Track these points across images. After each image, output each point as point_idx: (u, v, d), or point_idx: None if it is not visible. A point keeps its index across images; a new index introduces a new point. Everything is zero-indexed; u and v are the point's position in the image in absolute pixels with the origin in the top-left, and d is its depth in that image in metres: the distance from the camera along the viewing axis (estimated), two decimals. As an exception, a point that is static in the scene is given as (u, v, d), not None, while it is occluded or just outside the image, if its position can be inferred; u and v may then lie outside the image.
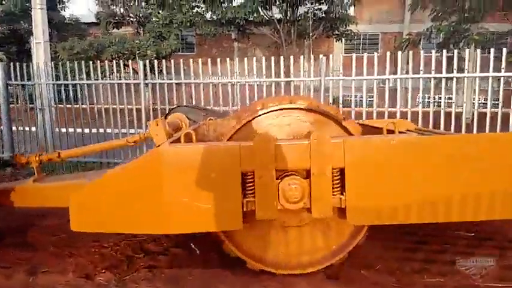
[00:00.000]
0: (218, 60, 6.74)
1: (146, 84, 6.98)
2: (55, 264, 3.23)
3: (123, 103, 7.05)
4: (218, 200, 2.65)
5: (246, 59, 6.71)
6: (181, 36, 20.27)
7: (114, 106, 7.05)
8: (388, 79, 6.33)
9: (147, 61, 7.06)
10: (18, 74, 7.27)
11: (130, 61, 7.76)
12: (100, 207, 2.77)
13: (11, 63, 7.39)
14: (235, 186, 2.66)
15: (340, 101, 6.38)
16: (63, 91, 7.27)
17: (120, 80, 7.23)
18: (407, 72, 6.27)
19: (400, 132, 2.92)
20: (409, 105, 6.17)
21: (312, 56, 6.47)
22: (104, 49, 16.82)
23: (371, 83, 6.38)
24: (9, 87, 7.34)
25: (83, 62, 7.24)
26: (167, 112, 4.60)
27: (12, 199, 3.61)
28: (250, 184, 2.71)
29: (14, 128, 7.46)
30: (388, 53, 6.21)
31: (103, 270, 2.97)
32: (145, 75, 6.89)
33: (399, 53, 6.47)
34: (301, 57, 6.48)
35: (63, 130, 7.43)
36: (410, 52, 6.29)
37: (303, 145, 2.69)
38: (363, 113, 6.36)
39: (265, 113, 2.96)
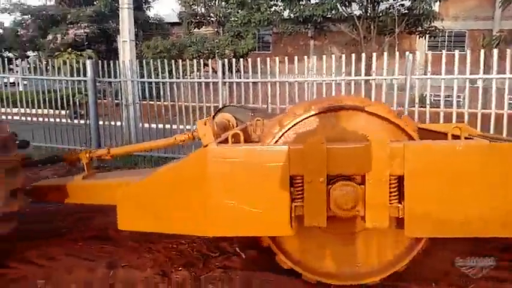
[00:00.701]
0: (295, 58, 6.61)
1: (224, 83, 7.05)
2: (134, 259, 3.31)
3: (202, 101, 7.19)
4: (265, 204, 2.53)
5: (324, 56, 6.51)
6: (258, 35, 20.42)
7: (194, 104, 7.20)
8: (482, 79, 5.81)
9: (226, 60, 7.13)
10: (106, 71, 7.67)
11: (209, 60, 7.88)
12: (146, 207, 2.75)
13: (100, 61, 7.83)
14: (283, 191, 2.51)
15: (427, 101, 5.94)
16: (146, 88, 7.58)
17: (199, 78, 7.38)
18: (500, 72, 5.71)
19: (466, 138, 2.63)
20: (506, 107, 5.61)
21: (397, 53, 6.10)
22: (185, 48, 17.40)
23: (460, 83, 5.90)
24: (97, 84, 7.77)
25: (165, 60, 7.48)
26: (215, 112, 4.53)
27: (61, 195, 3.70)
28: (300, 188, 2.56)
29: (100, 123, 7.86)
30: (483, 51, 5.69)
31: (179, 268, 2.97)
32: (223, 74, 6.97)
33: (494, 50, 5.89)
34: (385, 54, 6.13)
35: (147, 125, 7.75)
36: (508, 50, 5.70)
37: (358, 149, 2.48)
38: (453, 114, 5.90)
39: (312, 115, 2.76)
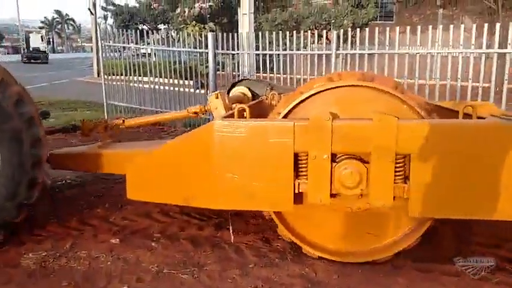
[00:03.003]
0: (418, 28, 6.14)
1: (338, 55, 6.87)
2: (238, 223, 3.48)
3: (314, 74, 7.12)
4: (268, 179, 2.54)
5: (451, 26, 5.94)
6: (381, 4, 19.30)
7: (306, 77, 7.17)
8: None
9: (342, 31, 6.91)
10: (225, 44, 7.98)
11: (326, 31, 7.73)
12: (154, 178, 2.84)
13: (220, 34, 8.17)
14: (287, 167, 2.51)
15: None
16: (261, 60, 7.74)
17: (312, 50, 7.30)
18: None
19: (479, 118, 2.50)
20: None
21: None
22: (303, 20, 17.22)
23: None
24: (217, 56, 8.15)
25: (280, 32, 7.52)
26: (231, 85, 4.40)
27: (78, 164, 3.88)
28: (304, 165, 2.52)
29: (219, 94, 8.25)
30: None
31: (279, 237, 3.07)
32: (338, 45, 6.78)
33: None
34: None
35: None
36: None
37: (364, 126, 2.40)
38: None
39: (322, 90, 2.66)
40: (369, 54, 6.61)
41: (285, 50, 7.37)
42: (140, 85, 8.94)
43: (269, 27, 16.98)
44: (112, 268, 2.81)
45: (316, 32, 7.29)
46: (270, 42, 7.47)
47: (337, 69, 6.87)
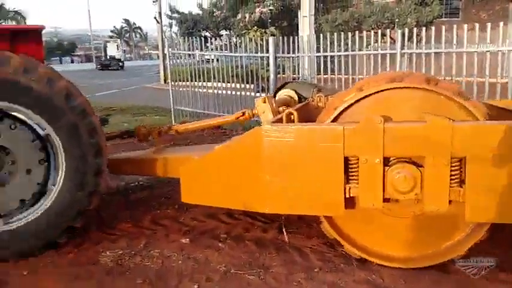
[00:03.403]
0: (488, 25, 5.83)
1: (403, 54, 6.68)
2: (301, 227, 3.52)
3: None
4: (318, 183, 2.52)
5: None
6: (446, 1, 18.43)
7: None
8: None
9: (406, 29, 6.72)
10: (286, 47, 8.04)
11: (389, 30, 7.55)
12: (206, 182, 2.90)
13: (281, 38, 8.24)
14: (337, 171, 2.49)
15: None
16: (322, 62, 7.70)
17: (376, 50, 7.15)
18: None
19: None
20: None
21: None
22: (364, 19, 16.88)
23: None
24: (277, 59, 8.22)
25: (342, 33, 7.45)
26: (277, 88, 4.33)
27: (134, 168, 4.00)
28: (355, 169, 2.48)
29: (279, 97, 8.34)
30: None
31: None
32: (402, 44, 6.59)
33: None
34: None
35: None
36: None
37: (418, 128, 2.32)
38: None
39: (372, 93, 2.58)
40: (435, 53, 6.37)
41: (347, 50, 7.28)
42: (204, 90, 9.22)
43: (329, 28, 16.80)
44: (183, 267, 2.96)
45: (379, 31, 7.11)
46: (331, 43, 7.41)
47: (401, 69, 6.69)
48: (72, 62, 69.85)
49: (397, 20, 15.71)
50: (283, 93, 4.16)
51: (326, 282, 2.71)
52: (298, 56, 8.00)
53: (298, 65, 8.14)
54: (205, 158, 3.03)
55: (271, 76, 8.12)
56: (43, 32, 3.65)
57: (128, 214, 3.95)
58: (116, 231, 3.61)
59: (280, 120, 2.81)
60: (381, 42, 7.45)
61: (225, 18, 25.49)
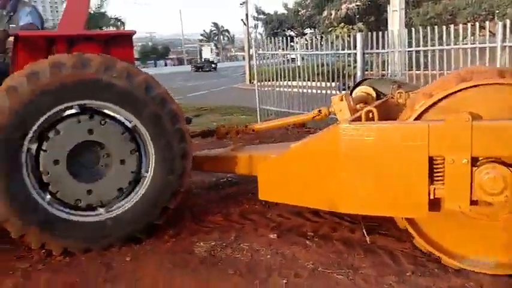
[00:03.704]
0: None
1: (504, 48, 6.16)
2: (392, 229, 3.31)
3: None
4: (400, 184, 2.42)
5: None
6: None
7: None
8: None
9: (508, 21, 6.19)
10: (374, 43, 7.81)
11: (487, 22, 7.01)
12: (283, 180, 2.88)
13: (369, 33, 8.02)
14: (421, 171, 2.38)
15: None
16: (413, 57, 7.37)
17: (473, 43, 6.67)
18: None
19: None
20: None
21: None
22: (459, 11, 15.87)
23: None
24: (365, 55, 8.02)
25: (435, 27, 7.07)
26: (353, 85, 4.12)
27: (214, 165, 4.10)
28: (440, 169, 2.39)
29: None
30: None
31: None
32: (503, 37, 6.08)
33: None
34: None
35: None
36: None
37: (509, 126, 2.21)
38: None
39: (462, 89, 2.38)
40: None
41: (441, 44, 6.88)
42: (289, 89, 9.29)
43: (420, 22, 16.03)
44: (271, 262, 3.02)
45: (477, 23, 6.64)
46: (423, 37, 7.06)
47: (502, 64, 6.18)
48: (166, 65, 74.30)
49: (496, 12, 14.53)
50: (361, 90, 4.06)
51: (419, 286, 2.60)
52: (387, 52, 7.74)
53: (387, 61, 7.88)
54: (282, 156, 3.07)
55: (358, 73, 7.94)
56: (139, 37, 3.96)
57: (219, 208, 4.13)
58: (209, 223, 3.78)
59: (358, 119, 2.74)
60: (479, 35, 6.94)
61: (310, 17, 25.44)
